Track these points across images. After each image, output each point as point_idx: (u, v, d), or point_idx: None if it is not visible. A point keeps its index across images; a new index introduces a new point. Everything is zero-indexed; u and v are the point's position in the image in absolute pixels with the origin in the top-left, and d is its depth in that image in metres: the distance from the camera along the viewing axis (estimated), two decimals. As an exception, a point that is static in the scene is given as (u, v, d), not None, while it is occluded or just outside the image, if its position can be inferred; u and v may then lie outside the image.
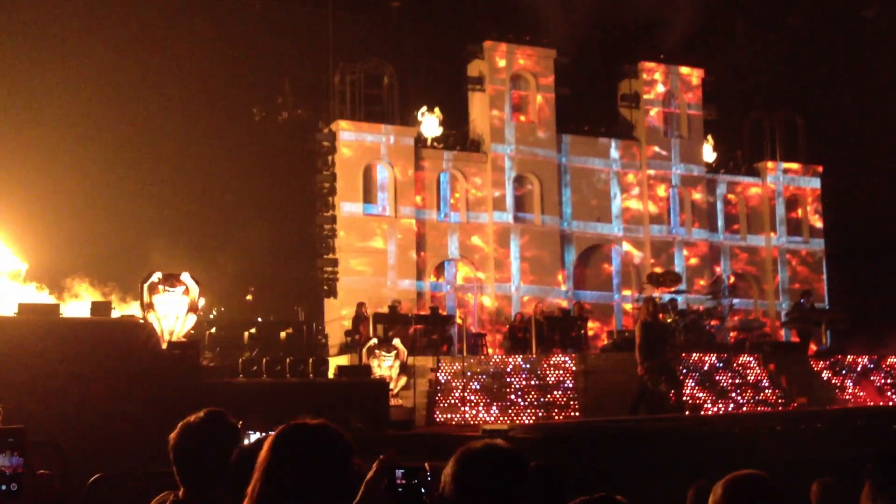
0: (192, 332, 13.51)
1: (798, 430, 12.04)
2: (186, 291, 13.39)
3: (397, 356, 15.75)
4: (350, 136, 22.30)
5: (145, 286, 13.17)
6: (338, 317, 20.69)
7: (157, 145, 20.25)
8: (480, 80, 23.94)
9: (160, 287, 13.13)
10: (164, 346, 12.62)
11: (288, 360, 13.63)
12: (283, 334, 15.58)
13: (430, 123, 23.15)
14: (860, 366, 18.00)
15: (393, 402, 14.88)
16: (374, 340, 15.97)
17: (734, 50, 26.66)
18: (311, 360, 13.83)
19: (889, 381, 17.85)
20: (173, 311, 13.19)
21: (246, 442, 3.89)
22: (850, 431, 11.85)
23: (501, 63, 23.94)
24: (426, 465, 2.85)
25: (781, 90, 26.82)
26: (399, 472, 2.77)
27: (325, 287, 21.03)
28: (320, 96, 22.75)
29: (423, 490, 2.78)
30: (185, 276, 13.44)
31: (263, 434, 3.59)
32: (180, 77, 20.61)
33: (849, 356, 18.31)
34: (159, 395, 10.75)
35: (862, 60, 26.37)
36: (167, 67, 20.58)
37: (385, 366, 15.57)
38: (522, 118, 24.17)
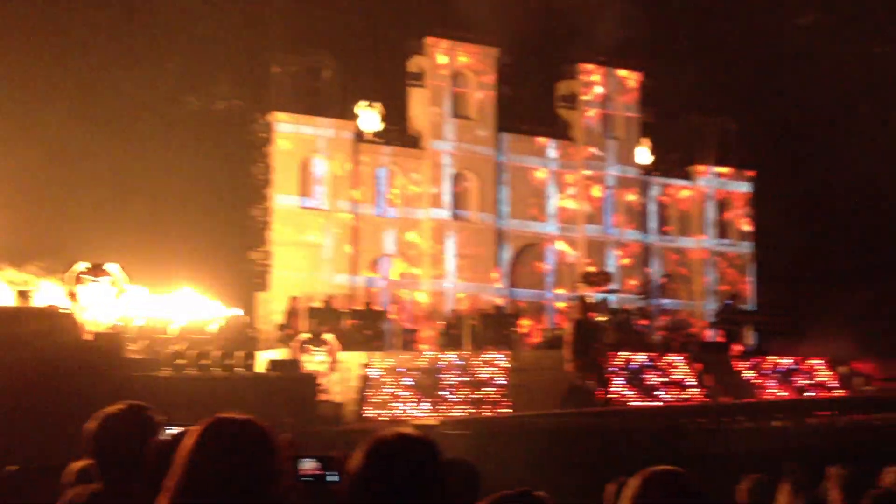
0: (118, 323, 13.26)
1: (721, 425, 12.31)
2: (113, 282, 13.13)
3: (329, 351, 15.66)
4: (288, 128, 22.12)
5: (70, 276, 12.89)
6: (270, 310, 20.50)
7: (89, 133, 19.80)
8: (421, 77, 23.93)
9: (85, 277, 12.86)
10: (88, 336, 12.36)
11: (216, 353, 13.45)
12: (212, 327, 15.37)
13: (370, 118, 23.08)
14: (782, 366, 18.47)
15: (322, 397, 14.80)
16: (307, 335, 15.85)
17: (671, 54, 27.10)
18: (239, 354, 13.65)
19: (809, 381, 18.36)
20: (98, 302, 12.93)
21: (164, 435, 3.84)
22: (768, 427, 12.17)
23: (442, 60, 23.97)
24: (336, 454, 2.85)
25: (716, 96, 27.35)
26: (306, 462, 2.77)
27: (258, 280, 20.82)
28: (258, 87, 22.53)
29: (335, 479, 2.77)
30: (112, 267, 13.18)
31: (183, 429, 3.55)
32: (113, 63, 20.20)
33: (771, 357, 18.78)
34: (80, 386, 10.50)
35: (796, 68, 27.04)
36: (100, 53, 20.15)
37: (316, 360, 15.46)
38: (462, 115, 24.23)
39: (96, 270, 12.94)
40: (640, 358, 17.75)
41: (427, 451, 2.66)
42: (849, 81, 26.40)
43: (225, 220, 21.46)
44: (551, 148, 25.31)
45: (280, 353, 16.58)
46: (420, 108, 23.94)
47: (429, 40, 23.79)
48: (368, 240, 22.74)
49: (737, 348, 20.30)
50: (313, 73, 22.96)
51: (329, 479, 4.37)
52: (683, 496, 2.90)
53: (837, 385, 18.38)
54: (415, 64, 24.01)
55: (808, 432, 12.21)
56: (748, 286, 26.60)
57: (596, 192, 25.55)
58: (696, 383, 17.60)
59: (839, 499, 6.14)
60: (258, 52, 22.34)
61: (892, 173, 25.41)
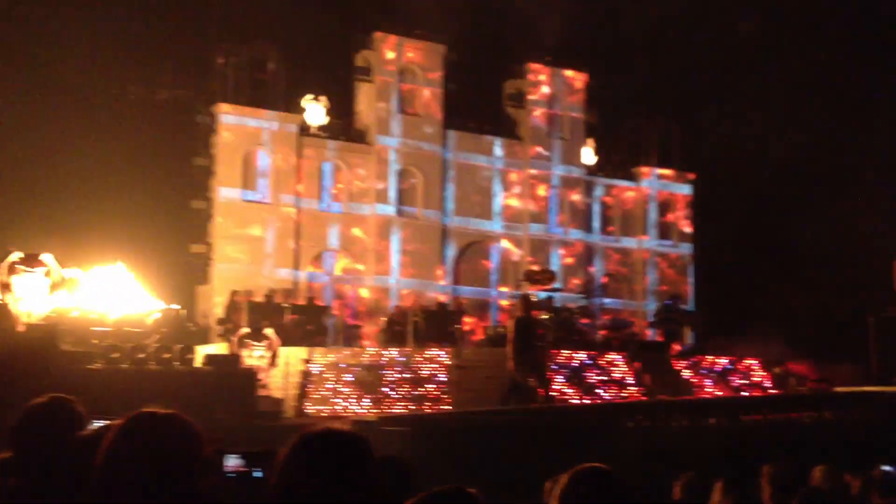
0: (52, 314, 12.95)
1: (659, 422, 12.46)
2: (48, 273, 12.83)
3: (269, 346, 15.49)
4: (232, 120, 21.86)
5: (4, 266, 12.56)
6: (210, 304, 20.24)
7: (25, 120, 19.30)
8: (368, 71, 23.82)
9: (19, 267, 12.54)
10: (22, 328, 12.06)
11: (153, 347, 13.21)
12: (150, 320, 15.08)
13: (315, 111, 22.91)
14: (719, 366, 18.80)
15: (262, 392, 14.65)
16: (246, 329, 15.66)
17: (616, 57, 27.40)
18: (177, 348, 13.43)
19: (745, 381, 18.71)
20: (33, 293, 12.62)
21: (90, 429, 3.75)
22: (705, 425, 12.35)
23: (390, 55, 23.90)
24: (262, 451, 2.80)
25: (661, 99, 27.72)
26: (231, 459, 2.73)
27: (198, 273, 20.54)
28: (203, 77, 22.21)
29: (260, 475, 2.74)
30: (47, 257, 12.88)
31: (107, 423, 3.47)
32: (52, 49, 19.71)
33: (709, 357, 19.10)
34: (13, 379, 10.25)
35: (739, 74, 27.54)
36: (37, 37, 19.65)
37: (256, 355, 15.28)
38: (409, 111, 24.18)
39: (31, 261, 12.62)
40: (581, 356, 17.91)
41: (355, 446, 2.63)
42: (788, 88, 26.95)
43: (166, 212, 21.10)
44: (497, 146, 25.41)
45: (219, 348, 16.39)
46: (366, 102, 23.84)
47: (376, 35, 23.70)
48: (312, 234, 22.58)
49: (676, 348, 20.60)
50: (258, 64, 22.74)
51: (255, 475, 4.32)
52: (609, 493, 2.93)
53: (771, 385, 18.76)
54: (362, 58, 23.90)
55: (741, 430, 12.42)
56: (688, 287, 27.02)
57: (541, 191, 25.72)
58: (634, 382, 17.82)
59: (770, 496, 6.26)
60: (203, 43, 22.02)
61: (827, 179, 26.04)
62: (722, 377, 18.63)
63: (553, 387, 16.68)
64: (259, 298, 18.91)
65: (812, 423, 12.68)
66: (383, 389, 16.39)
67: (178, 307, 15.83)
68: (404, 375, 16.72)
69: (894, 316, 14.57)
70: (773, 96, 26.62)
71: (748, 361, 19.02)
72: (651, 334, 24.31)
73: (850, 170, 26.35)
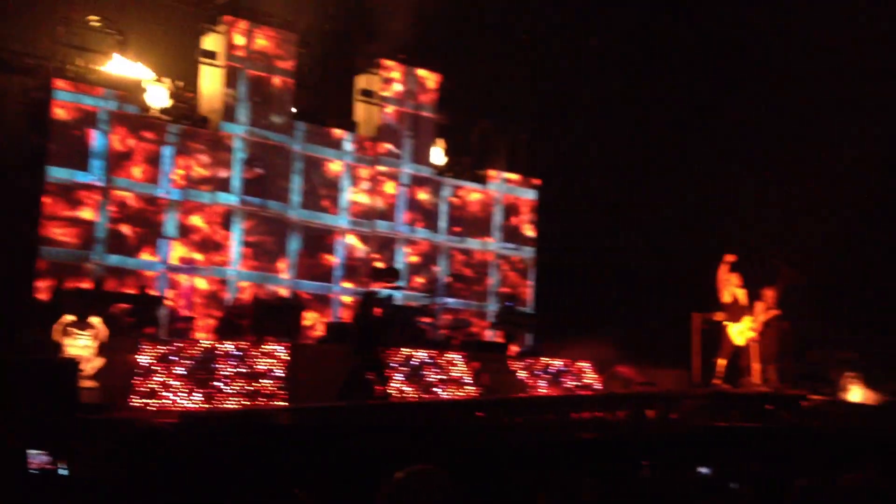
0: None
1: (493, 420, 12.62)
2: None
3: (95, 336, 14.72)
4: (67, 98, 20.66)
5: None
6: (34, 289, 19.05)
7: None
8: (215, 56, 23.07)
9: None
10: None
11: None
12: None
13: (157, 93, 21.96)
14: (553, 368, 19.30)
15: (86, 384, 13.91)
16: (71, 317, 14.80)
17: (471, 59, 27.71)
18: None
19: (577, 383, 19.29)
20: None
21: None
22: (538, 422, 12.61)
23: (240, 40, 23.23)
24: (71, 446, 2.57)
25: (511, 104, 28.24)
26: (36, 455, 2.48)
27: (24, 256, 19.29)
28: (37, 51, 20.90)
29: (65, 472, 2.51)
30: None
31: None
32: None
33: (544, 358, 19.59)
34: None
35: (586, 85, 28.41)
36: None
37: (80, 345, 14.50)
38: (257, 99, 23.58)
39: None
40: (421, 355, 17.97)
41: (170, 442, 2.46)
42: (632, 101, 28.04)
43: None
44: (347, 141, 25.17)
45: (41, 336, 15.42)
46: (212, 88, 23.08)
47: (226, 18, 22.99)
48: (148, 221, 21.64)
49: (514, 349, 21.02)
50: (99, 41, 21.60)
51: (60, 471, 4.00)
52: (440, 493, 2.88)
53: (602, 387, 19.43)
54: (210, 42, 23.12)
55: (570, 428, 12.74)
56: (528, 290, 27.63)
57: (389, 188, 25.67)
58: (471, 381, 18.04)
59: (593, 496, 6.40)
60: (38, 15, 20.72)
61: (665, 190, 27.28)
62: (555, 379, 19.14)
63: (392, 384, 16.67)
64: (87, 285, 17.96)
65: (634, 422, 13.18)
66: (216, 384, 15.88)
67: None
68: (239, 370, 16.26)
69: (719, 319, 15.31)
70: (615, 107, 27.65)
71: (581, 364, 19.62)
72: (491, 335, 24.74)
73: (681, 176, 27.77)
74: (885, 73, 24.91)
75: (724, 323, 14.79)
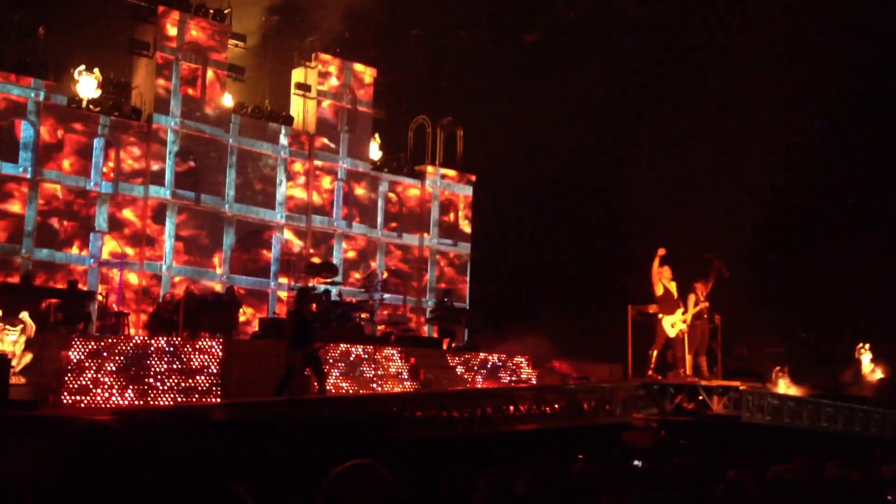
0: None
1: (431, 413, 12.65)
2: None
3: (24, 331, 14.35)
4: (-8, 86, 20.08)
5: None
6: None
7: None
8: (149, 47, 22.64)
9: None
10: None
11: None
12: None
13: (88, 84, 21.49)
14: (490, 363, 19.44)
15: (14, 380, 13.55)
16: (-2, 312, 14.40)
17: (408, 55, 27.72)
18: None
19: (513, 378, 19.46)
20: None
21: None
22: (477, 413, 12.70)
23: (173, 31, 22.83)
24: None
25: (447, 100, 28.33)
26: None
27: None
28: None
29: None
30: None
31: None
32: None
33: (481, 353, 19.70)
34: None
35: (523, 82, 28.64)
36: None
37: (9, 341, 14.11)
38: (191, 91, 23.21)
39: None
40: (359, 350, 17.92)
41: (107, 439, 2.45)
42: (567, 98, 28.36)
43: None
44: (283, 135, 24.94)
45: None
46: (145, 79, 22.66)
47: (160, 9, 22.55)
48: (78, 214, 21.15)
49: (451, 344, 21.09)
50: (27, 29, 21.01)
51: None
52: (376, 487, 2.90)
53: (538, 382, 19.61)
54: (144, 32, 22.68)
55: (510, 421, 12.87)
56: (465, 285, 27.76)
57: (326, 183, 25.53)
58: (408, 377, 18.07)
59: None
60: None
61: (599, 185, 27.67)
62: (492, 373, 19.27)
63: (329, 380, 16.58)
64: (15, 280, 17.49)
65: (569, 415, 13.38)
66: (150, 380, 15.62)
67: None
68: (173, 366, 16.01)
69: (652, 311, 15.52)
70: (552, 105, 27.94)
71: (517, 359, 19.79)
72: (428, 331, 24.79)
73: (616, 174, 28.24)
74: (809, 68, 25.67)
75: (658, 315, 15.03)
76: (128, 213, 21.94)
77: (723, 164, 27.03)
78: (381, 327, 22.97)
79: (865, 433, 15.90)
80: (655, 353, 15.44)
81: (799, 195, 28.81)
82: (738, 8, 27.51)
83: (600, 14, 27.84)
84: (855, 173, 28.83)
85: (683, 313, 14.93)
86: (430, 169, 27.72)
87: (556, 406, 13.47)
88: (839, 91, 26.20)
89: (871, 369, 20.00)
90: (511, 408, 12.83)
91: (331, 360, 17.18)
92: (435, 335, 22.54)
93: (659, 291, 15.00)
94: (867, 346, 20.43)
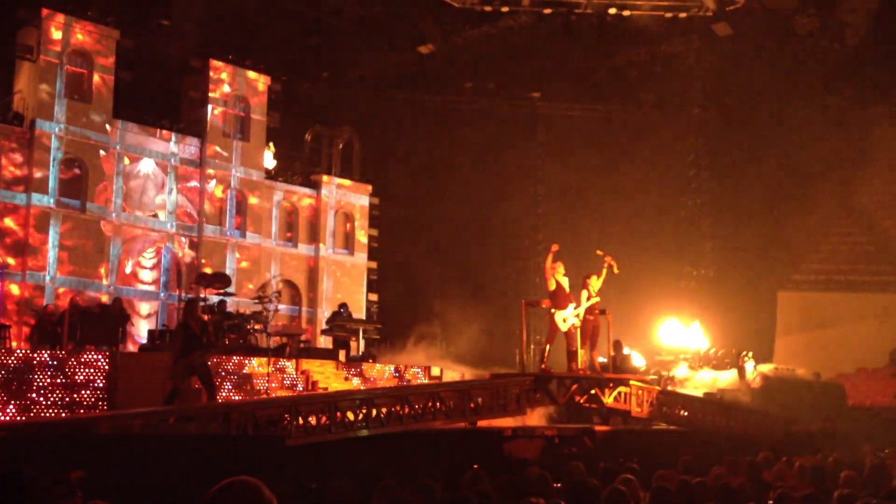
0: None
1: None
2: None
3: None
4: None
5: None
6: None
7: None
8: (31, 50, 21.81)
9: None
10: None
11: None
12: None
13: (-35, 87, 20.55)
14: (387, 374, 19.39)
15: None
16: None
17: (303, 64, 27.48)
18: None
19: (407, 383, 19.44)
20: None
21: None
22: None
23: (57, 35, 22.06)
24: None
25: (345, 110, 28.22)
26: None
27: None
28: None
29: None
30: None
31: None
32: None
33: (377, 364, 19.65)
34: None
35: (421, 92, 28.79)
36: None
37: None
38: (76, 97, 22.45)
39: None
40: (252, 363, 17.61)
41: None
42: (462, 107, 28.66)
43: None
44: (173, 142, 24.37)
45: None
46: (28, 83, 21.82)
47: (43, 12, 21.76)
48: (-46, 223, 20.19)
49: (346, 355, 20.94)
50: None
51: None
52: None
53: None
54: (26, 35, 21.83)
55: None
56: (361, 295, 27.64)
57: (218, 191, 25.06)
58: (303, 389, 17.88)
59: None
60: None
61: (486, 188, 28.04)
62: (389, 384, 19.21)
63: (221, 393, 16.26)
64: None
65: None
66: (32, 395, 14.99)
67: None
68: (57, 380, 15.40)
69: (545, 306, 15.64)
70: (446, 113, 28.21)
71: (413, 370, 19.80)
72: (323, 342, 24.55)
73: (511, 176, 28.74)
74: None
75: (551, 310, 15.20)
76: (9, 222, 21.05)
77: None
78: (275, 339, 22.62)
79: (749, 436, 16.42)
80: (548, 347, 15.63)
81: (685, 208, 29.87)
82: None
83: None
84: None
85: (576, 308, 15.14)
86: (325, 178, 27.53)
87: (451, 403, 13.47)
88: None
89: (753, 376, 20.76)
90: (406, 407, 12.77)
91: (223, 373, 16.85)
92: (331, 346, 22.34)
93: (552, 287, 15.18)
94: (750, 353, 21.24)
